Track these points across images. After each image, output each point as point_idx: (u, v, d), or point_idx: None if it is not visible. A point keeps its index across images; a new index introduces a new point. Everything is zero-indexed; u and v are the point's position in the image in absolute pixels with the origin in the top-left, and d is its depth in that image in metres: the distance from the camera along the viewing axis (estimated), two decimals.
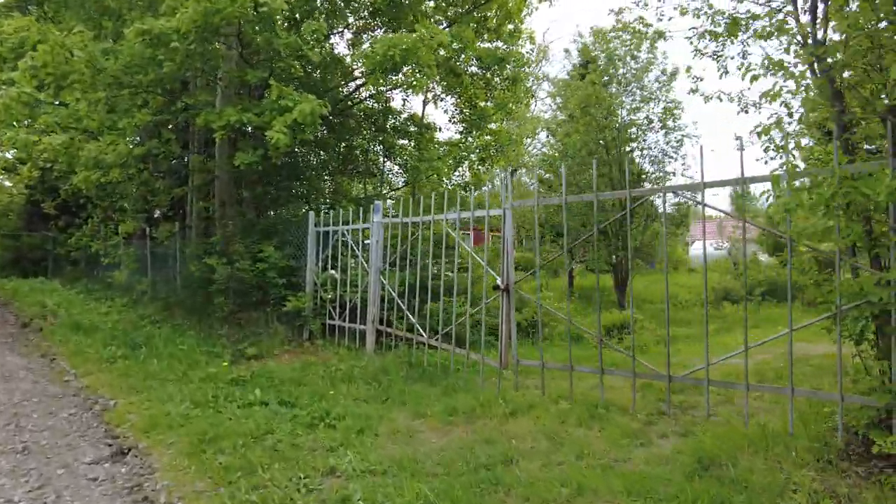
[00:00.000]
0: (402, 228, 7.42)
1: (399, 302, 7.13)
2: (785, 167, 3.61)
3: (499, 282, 5.45)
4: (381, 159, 14.94)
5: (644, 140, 18.73)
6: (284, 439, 4.62)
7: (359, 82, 12.32)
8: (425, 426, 5.08)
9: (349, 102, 12.34)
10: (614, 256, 19.31)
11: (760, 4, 4.65)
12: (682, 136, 18.43)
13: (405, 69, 9.87)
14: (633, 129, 18.87)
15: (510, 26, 13.28)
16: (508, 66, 12.43)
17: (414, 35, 8.49)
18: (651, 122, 18.69)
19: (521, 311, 11.93)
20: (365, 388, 6.26)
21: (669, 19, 5.66)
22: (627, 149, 19.17)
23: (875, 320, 3.46)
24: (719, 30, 4.75)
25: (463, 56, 11.72)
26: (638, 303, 18.35)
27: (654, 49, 18.24)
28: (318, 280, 8.68)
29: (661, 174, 19.22)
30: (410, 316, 6.88)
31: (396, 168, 14.63)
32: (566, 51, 22.97)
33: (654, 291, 22.48)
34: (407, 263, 7.44)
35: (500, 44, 13.27)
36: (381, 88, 11.03)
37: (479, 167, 14.86)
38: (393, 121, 13.63)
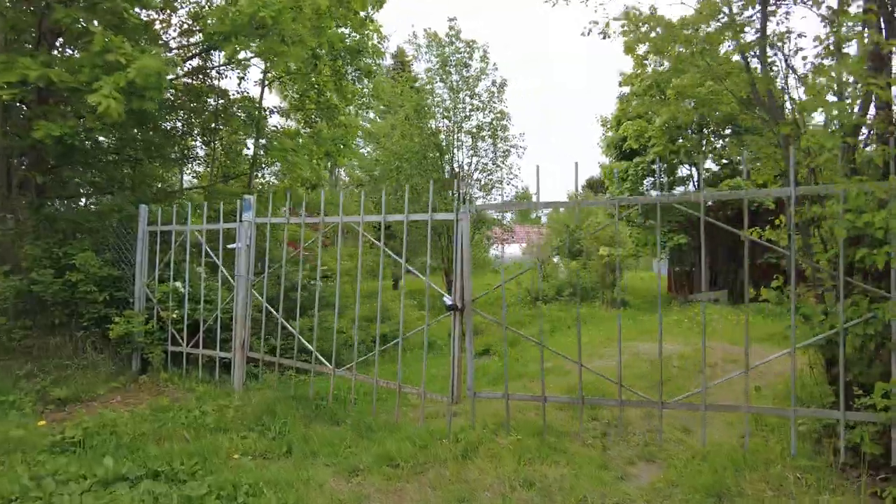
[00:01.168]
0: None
1: (286, 323, 5.77)
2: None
3: (447, 300, 4.59)
4: (200, 144, 12.65)
5: (476, 148, 19.19)
6: None
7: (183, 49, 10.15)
8: (368, 486, 4.02)
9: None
10: (445, 260, 19.45)
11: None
12: (510, 146, 19.33)
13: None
14: (465, 137, 19.24)
15: (362, 14, 12.29)
16: (364, 58, 11.42)
17: None
18: (481, 130, 19.24)
19: (385, 322, 11.05)
20: (254, 439, 4.87)
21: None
22: (456, 155, 19.47)
23: (870, 340, 3.52)
24: None
25: (319, 37, 10.39)
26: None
27: (486, 59, 18.81)
28: (156, 295, 6.74)
29: (488, 181, 19.90)
30: (307, 342, 5.58)
31: (223, 157, 12.48)
32: (409, 51, 22.51)
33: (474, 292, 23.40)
34: (311, 276, 6.10)
35: (347, 31, 12.21)
36: (240, 58, 9.18)
37: (320, 162, 13.51)
38: (223, 102, 11.57)
